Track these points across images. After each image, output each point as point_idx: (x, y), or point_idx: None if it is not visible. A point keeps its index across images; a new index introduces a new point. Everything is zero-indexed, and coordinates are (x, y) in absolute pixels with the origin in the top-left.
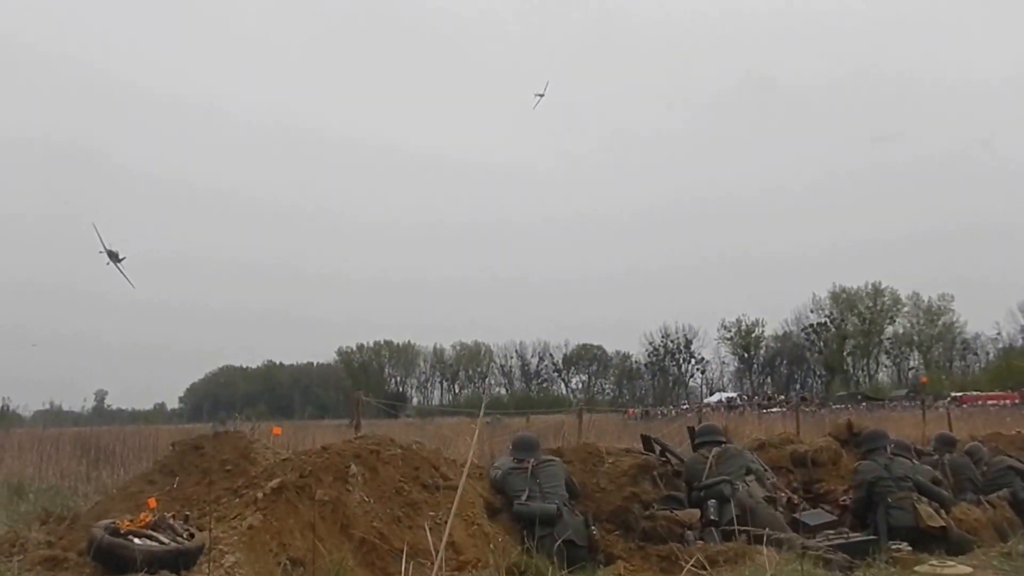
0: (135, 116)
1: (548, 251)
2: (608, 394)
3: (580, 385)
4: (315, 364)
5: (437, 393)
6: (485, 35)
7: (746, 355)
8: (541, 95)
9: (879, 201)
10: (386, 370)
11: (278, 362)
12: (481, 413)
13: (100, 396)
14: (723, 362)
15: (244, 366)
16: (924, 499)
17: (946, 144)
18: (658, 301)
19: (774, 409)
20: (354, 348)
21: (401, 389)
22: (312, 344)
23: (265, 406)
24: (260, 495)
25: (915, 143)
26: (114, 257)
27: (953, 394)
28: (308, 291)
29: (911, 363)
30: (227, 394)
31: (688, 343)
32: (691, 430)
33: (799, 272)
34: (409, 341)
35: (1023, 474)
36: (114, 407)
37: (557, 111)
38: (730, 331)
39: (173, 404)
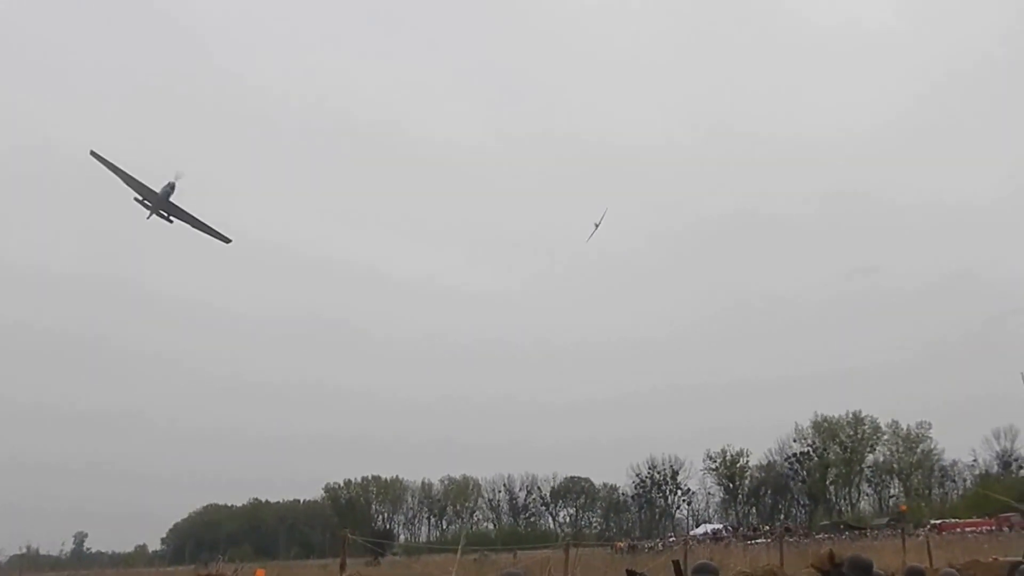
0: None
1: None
2: (595, 527)
3: (568, 519)
4: (301, 501)
5: (425, 529)
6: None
7: (731, 485)
8: (598, 224)
9: (857, 331)
10: (373, 506)
11: (264, 499)
12: (459, 552)
13: (79, 538)
14: (709, 492)
15: (229, 504)
16: None
17: (923, 277)
18: (645, 430)
19: (759, 540)
20: (341, 484)
21: (388, 526)
22: (299, 481)
23: (250, 546)
24: None
25: (892, 276)
26: (165, 197)
27: (933, 521)
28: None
29: (892, 491)
30: (211, 534)
31: (675, 474)
32: (676, 565)
33: (782, 400)
34: (397, 476)
35: None
36: (94, 550)
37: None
38: (715, 461)
39: (155, 545)
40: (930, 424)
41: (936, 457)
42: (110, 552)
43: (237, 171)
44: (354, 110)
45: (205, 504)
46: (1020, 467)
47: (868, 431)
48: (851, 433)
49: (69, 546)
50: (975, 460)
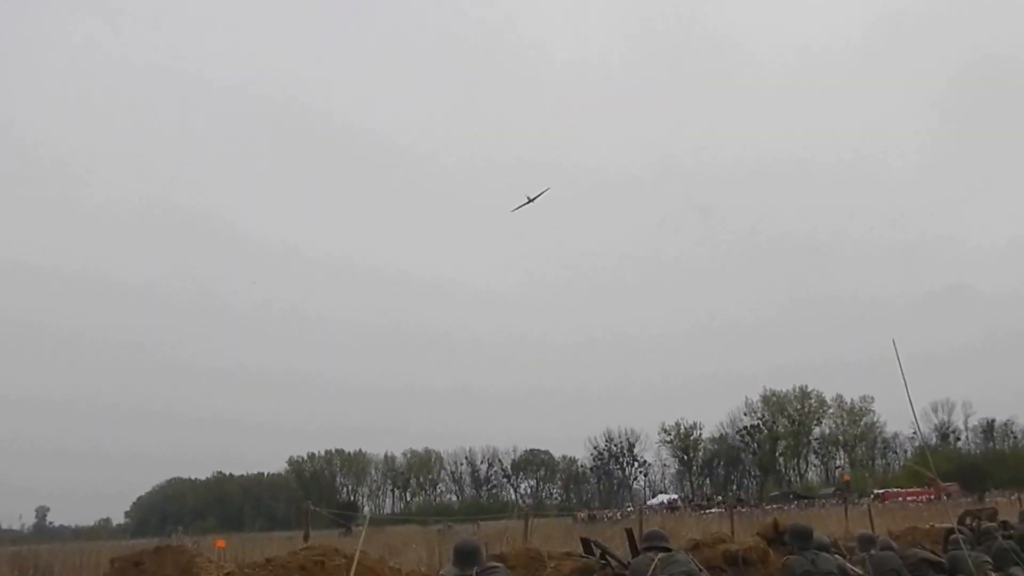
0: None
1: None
2: (556, 498)
3: (528, 490)
4: (266, 474)
5: (389, 501)
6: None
7: (686, 457)
8: (531, 199)
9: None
10: (337, 479)
11: (228, 473)
12: (364, 527)
13: (41, 513)
14: (664, 464)
15: (193, 478)
16: None
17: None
18: (603, 405)
19: (712, 510)
20: (305, 457)
21: (353, 498)
22: (263, 454)
23: (215, 519)
24: None
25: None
26: None
27: (876, 491)
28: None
29: (838, 462)
30: (175, 507)
31: (631, 446)
32: (629, 532)
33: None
34: (360, 449)
35: (936, 565)
36: (56, 524)
37: (522, 239)
38: (670, 434)
39: (119, 519)
40: (872, 398)
41: (879, 429)
42: (73, 526)
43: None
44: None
45: (169, 478)
46: (957, 439)
47: (814, 405)
48: (798, 407)
49: (31, 520)
50: (915, 432)
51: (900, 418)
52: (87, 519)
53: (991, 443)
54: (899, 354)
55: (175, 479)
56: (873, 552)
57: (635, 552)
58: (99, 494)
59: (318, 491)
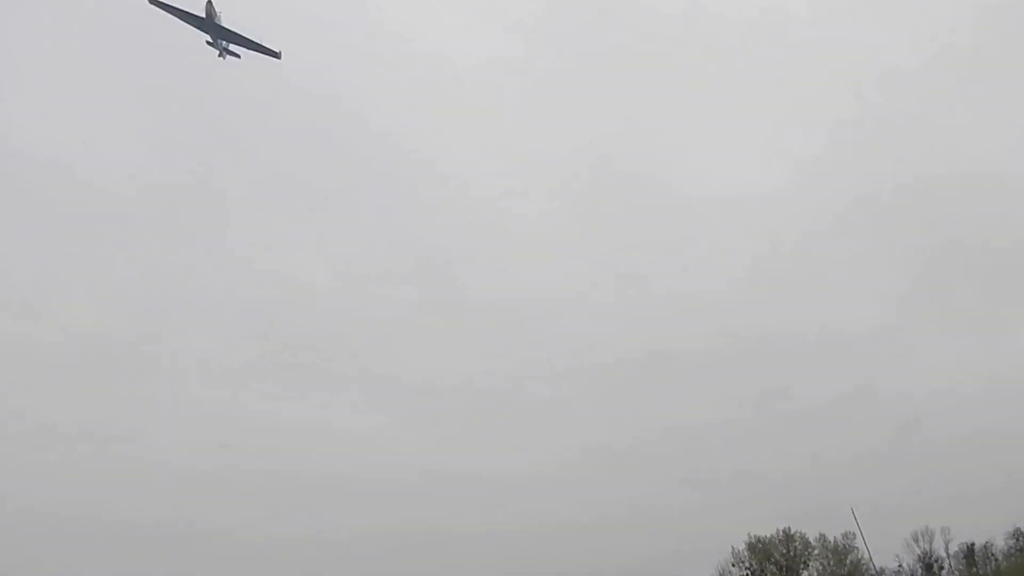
0: None
1: None
2: None
3: None
4: None
5: None
6: None
7: None
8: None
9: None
10: None
11: None
12: None
13: None
14: None
15: None
16: None
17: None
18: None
19: None
20: None
21: None
22: None
23: None
24: None
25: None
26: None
27: None
28: None
29: None
30: None
31: None
32: None
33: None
34: None
35: None
36: None
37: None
38: None
39: None
40: (855, 534)
41: (865, 567)
42: None
43: None
44: None
45: None
46: (941, 567)
47: (799, 547)
48: (784, 551)
49: None
50: (900, 565)
51: (884, 551)
52: None
53: (974, 568)
54: (856, 517)
55: None
56: None
57: None
58: None
59: None
